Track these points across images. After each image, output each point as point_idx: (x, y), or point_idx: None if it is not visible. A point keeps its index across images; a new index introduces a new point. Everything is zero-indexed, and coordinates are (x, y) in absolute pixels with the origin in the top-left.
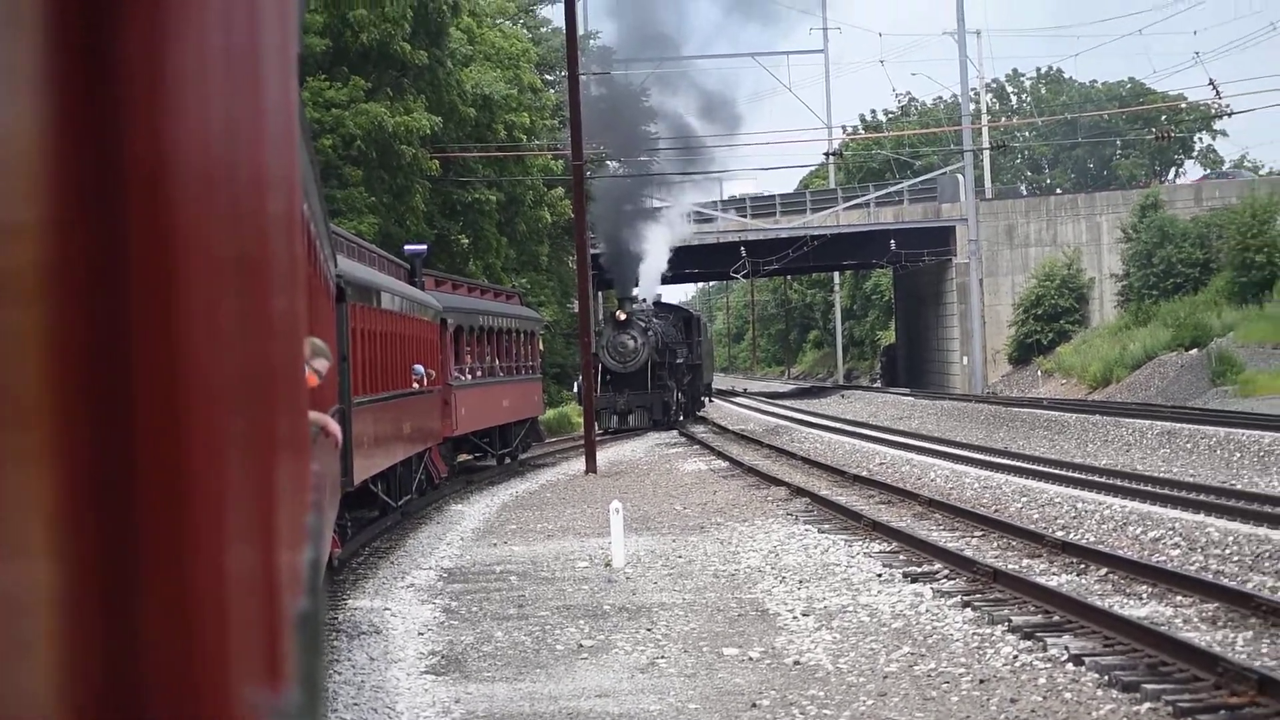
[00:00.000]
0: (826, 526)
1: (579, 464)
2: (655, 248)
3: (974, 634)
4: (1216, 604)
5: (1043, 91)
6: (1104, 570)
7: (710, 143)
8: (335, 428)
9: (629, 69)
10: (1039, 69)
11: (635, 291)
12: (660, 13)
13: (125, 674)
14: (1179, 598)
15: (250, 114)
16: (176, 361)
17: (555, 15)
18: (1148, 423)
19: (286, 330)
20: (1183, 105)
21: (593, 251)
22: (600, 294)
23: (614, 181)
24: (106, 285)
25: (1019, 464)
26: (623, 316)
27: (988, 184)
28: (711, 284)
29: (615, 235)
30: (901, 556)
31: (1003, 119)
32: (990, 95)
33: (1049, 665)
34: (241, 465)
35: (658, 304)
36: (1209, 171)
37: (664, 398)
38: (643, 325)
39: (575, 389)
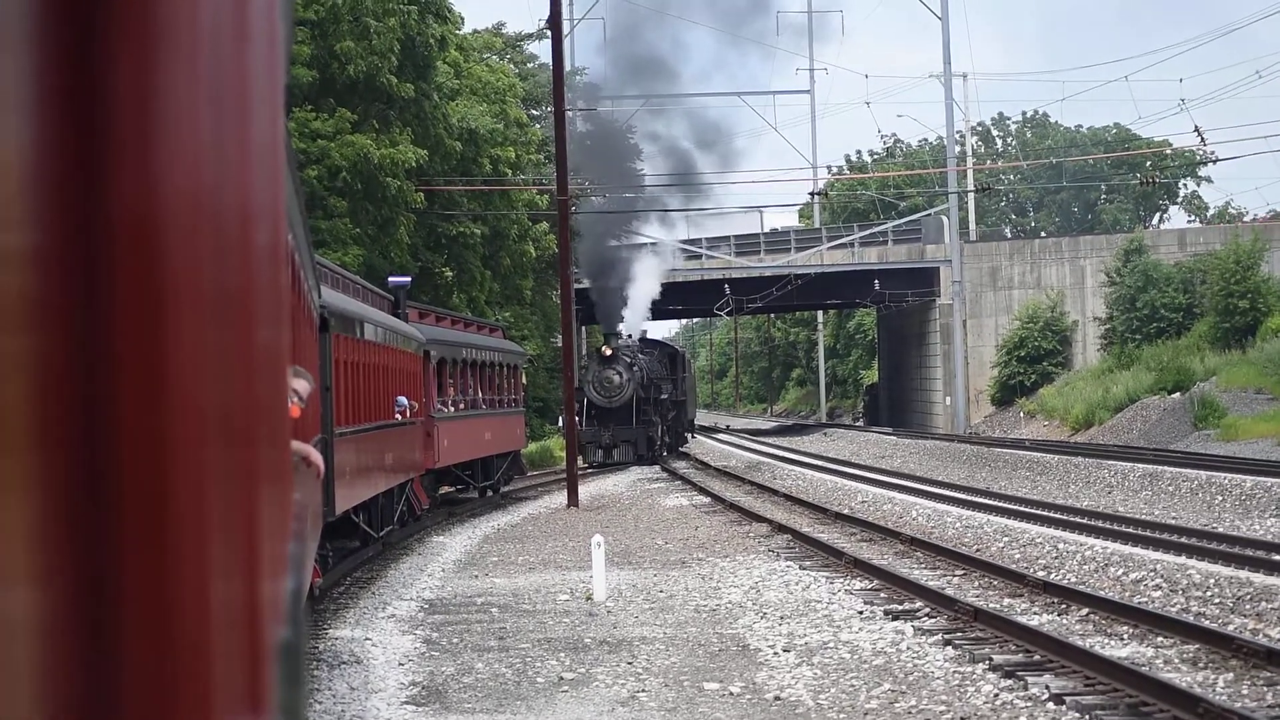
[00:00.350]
0: (808, 563)
1: (561, 497)
2: (642, 283)
3: (955, 672)
4: (1197, 645)
5: (1028, 135)
6: (1085, 610)
7: (699, 178)
8: (318, 458)
9: (616, 104)
10: (1025, 113)
11: (620, 327)
12: (654, 46)
13: (107, 705)
14: (1160, 639)
15: (238, 145)
16: (160, 392)
17: (542, 51)
18: (1130, 465)
19: (270, 361)
20: (1168, 151)
21: (577, 286)
22: (584, 329)
23: (599, 216)
24: (91, 315)
25: (1001, 504)
26: (608, 352)
27: (972, 226)
28: (695, 320)
29: (601, 270)
30: (883, 594)
31: (988, 161)
32: (975, 138)
33: (1030, 704)
34: (225, 495)
35: (643, 340)
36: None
37: (649, 433)
38: (628, 360)
39: (560, 422)
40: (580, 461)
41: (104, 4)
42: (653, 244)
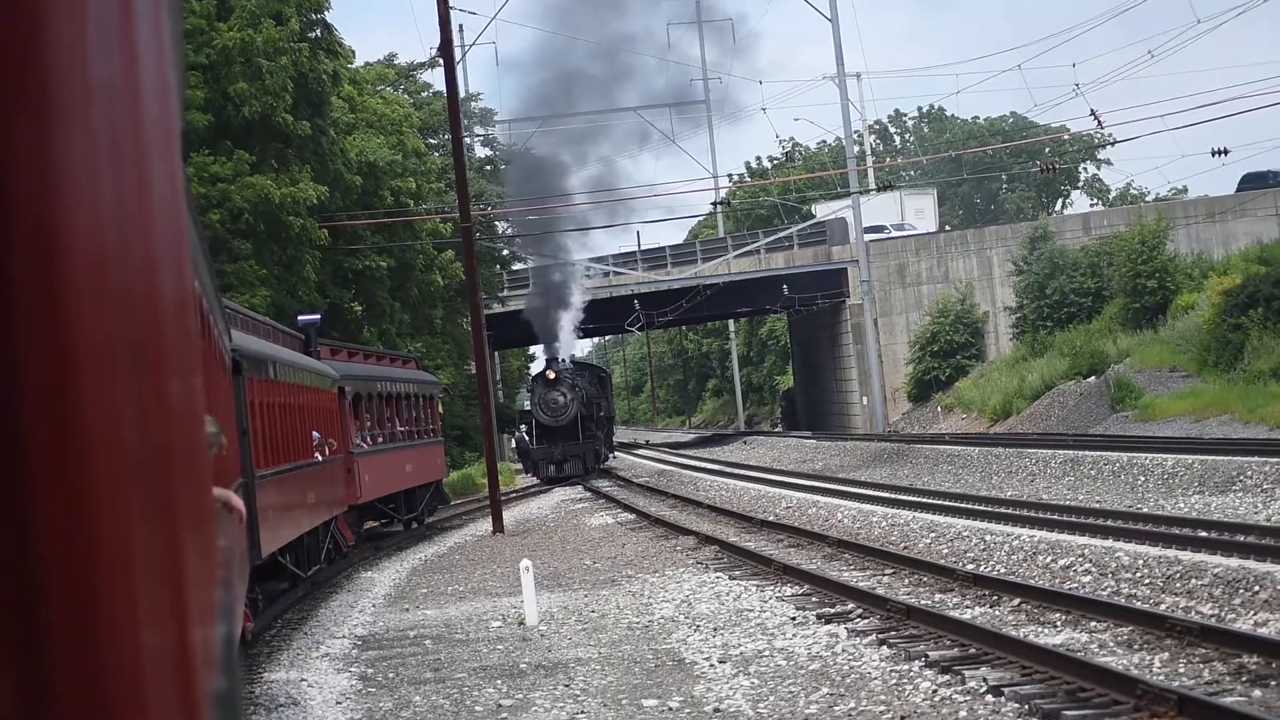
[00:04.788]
0: (737, 573)
1: (486, 524)
2: (574, 307)
3: (891, 671)
4: (1131, 627)
5: (925, 130)
6: (1017, 600)
7: (615, 194)
8: (239, 503)
9: (512, 129)
10: (921, 108)
11: (558, 350)
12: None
13: None
14: (1093, 623)
15: (137, 196)
16: (76, 447)
17: (435, 79)
18: (1051, 452)
19: (185, 409)
20: (1065, 137)
21: (487, 312)
22: (496, 354)
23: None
24: (0, 375)
25: (925, 500)
26: (552, 375)
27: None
28: (607, 338)
29: (543, 297)
30: (814, 598)
31: (887, 159)
32: (874, 136)
33: (968, 698)
34: (148, 546)
35: (575, 362)
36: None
37: (595, 447)
38: (570, 382)
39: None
40: (532, 478)
41: None
42: (585, 266)
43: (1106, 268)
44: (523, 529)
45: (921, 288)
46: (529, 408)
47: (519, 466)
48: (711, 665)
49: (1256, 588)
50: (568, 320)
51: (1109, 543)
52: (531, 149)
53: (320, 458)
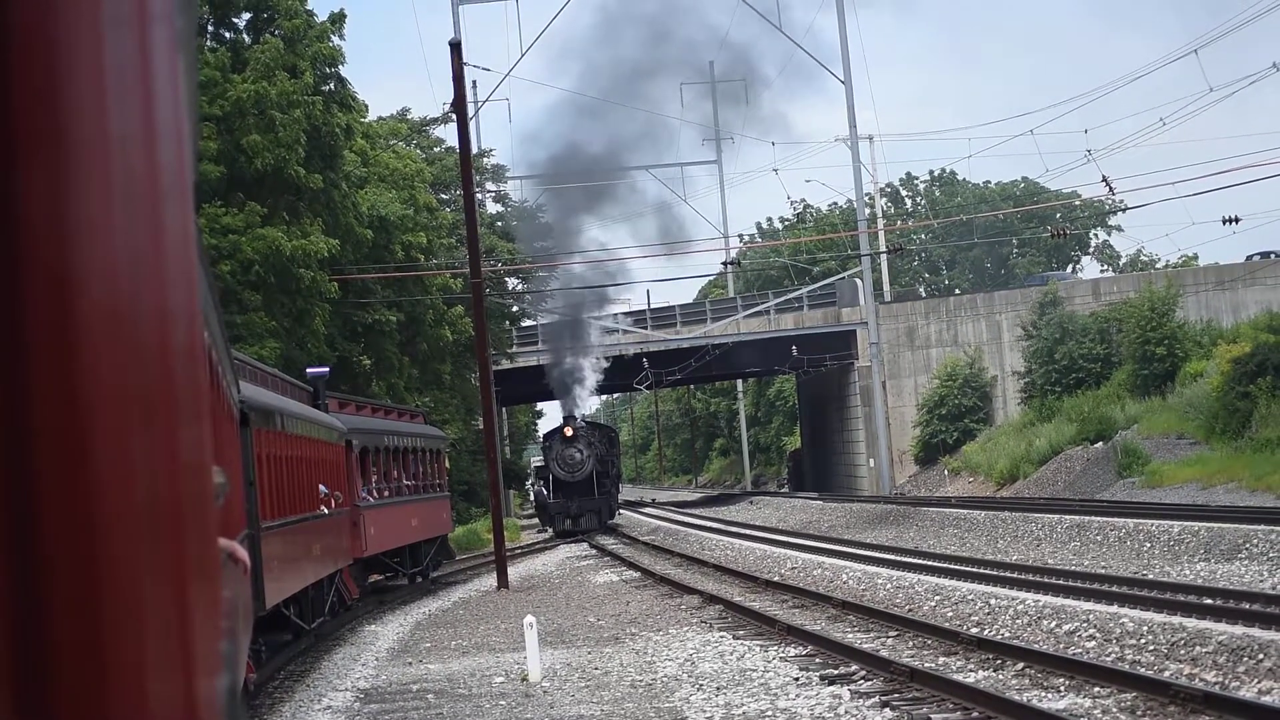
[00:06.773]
0: (741, 633)
1: (490, 580)
2: (590, 367)
3: None
4: (1134, 694)
5: (937, 194)
6: (1020, 665)
7: (617, 253)
8: (243, 554)
9: (524, 186)
10: (932, 171)
11: (575, 407)
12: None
13: None
14: (1097, 689)
15: (151, 248)
16: (86, 498)
17: (448, 134)
18: (1057, 517)
19: (193, 460)
20: (1076, 202)
21: (496, 369)
22: (504, 410)
23: (563, 303)
24: (12, 424)
25: (931, 563)
26: (570, 432)
27: (886, 287)
28: (615, 396)
29: (560, 355)
30: (818, 659)
31: (898, 222)
32: (885, 199)
33: None
34: (156, 597)
35: (588, 422)
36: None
37: (609, 502)
38: (586, 439)
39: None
40: (549, 531)
41: (16, 115)
42: (597, 319)
43: (1116, 334)
44: (527, 585)
45: (930, 351)
46: (538, 464)
47: (525, 523)
48: None
49: (1260, 655)
50: (586, 378)
51: (1114, 608)
52: (548, 201)
53: (326, 510)
